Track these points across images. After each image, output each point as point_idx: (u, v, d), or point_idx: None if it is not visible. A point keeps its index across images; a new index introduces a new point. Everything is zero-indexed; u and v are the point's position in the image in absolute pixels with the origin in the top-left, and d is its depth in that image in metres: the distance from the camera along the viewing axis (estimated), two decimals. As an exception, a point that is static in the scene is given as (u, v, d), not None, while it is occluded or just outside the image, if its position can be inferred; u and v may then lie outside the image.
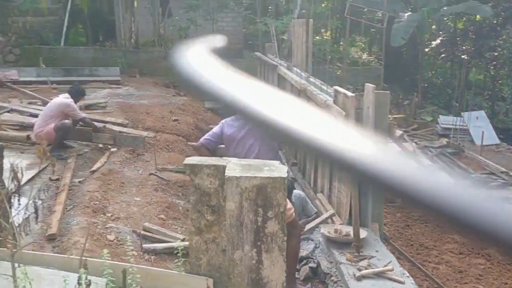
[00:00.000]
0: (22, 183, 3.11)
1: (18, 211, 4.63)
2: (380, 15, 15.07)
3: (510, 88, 12.77)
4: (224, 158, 3.03)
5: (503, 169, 8.59)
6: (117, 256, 4.49)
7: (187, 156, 7.87)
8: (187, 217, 6.03)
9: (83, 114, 7.23)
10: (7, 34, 13.36)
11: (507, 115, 13.82)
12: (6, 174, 3.37)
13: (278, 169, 2.71)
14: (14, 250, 2.58)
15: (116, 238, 4.97)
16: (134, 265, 2.96)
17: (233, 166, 2.72)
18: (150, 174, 6.76)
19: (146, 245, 4.76)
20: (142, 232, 5.00)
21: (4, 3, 13.18)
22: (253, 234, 2.61)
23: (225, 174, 2.62)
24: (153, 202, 5.90)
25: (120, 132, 7.68)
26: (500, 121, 13.35)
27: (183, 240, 4.85)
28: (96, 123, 7.38)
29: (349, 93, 5.29)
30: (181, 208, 6.09)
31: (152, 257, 4.72)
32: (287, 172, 2.75)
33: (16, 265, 2.63)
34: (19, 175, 2.74)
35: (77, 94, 6.98)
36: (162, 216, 5.65)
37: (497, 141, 10.79)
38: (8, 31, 13.42)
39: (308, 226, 5.55)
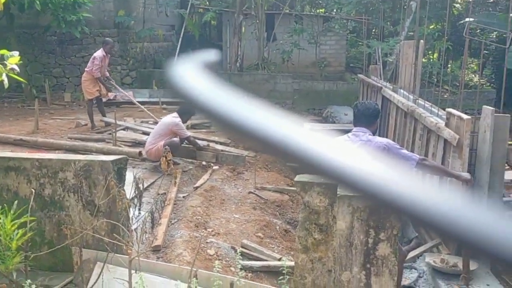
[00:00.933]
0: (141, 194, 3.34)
1: (138, 219, 4.97)
2: (495, 36, 14.18)
3: None
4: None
5: None
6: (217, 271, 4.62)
7: (286, 176, 7.98)
8: (284, 237, 6.05)
9: (188, 133, 7.61)
10: (126, 59, 14.60)
11: None
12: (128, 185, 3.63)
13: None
14: (133, 257, 2.75)
15: (216, 253, 5.12)
16: (242, 279, 3.02)
17: (344, 185, 2.69)
18: (249, 192, 6.91)
19: (244, 262, 4.84)
20: (241, 248, 5.10)
21: (126, 31, 14.45)
22: (363, 256, 2.54)
23: (337, 193, 2.59)
24: (251, 220, 6.00)
25: (222, 150, 7.97)
26: None
27: (279, 259, 4.87)
28: (200, 142, 7.72)
29: (465, 116, 5.02)
30: (278, 228, 6.12)
31: (249, 274, 4.78)
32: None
33: (133, 271, 2.80)
34: (140, 185, 2.95)
35: (185, 113, 7.38)
36: (259, 234, 5.73)
37: None
38: (127, 56, 14.66)
39: (411, 254, 5.30)
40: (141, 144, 8.02)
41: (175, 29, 16.62)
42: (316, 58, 15.27)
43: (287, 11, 15.46)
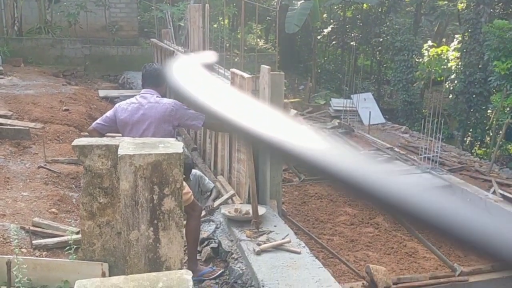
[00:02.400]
0: None
1: None
2: (275, 3, 15.45)
3: (393, 71, 13.82)
4: (117, 137, 2.93)
5: (388, 145, 9.31)
6: (4, 255, 4.19)
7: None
8: (82, 209, 5.78)
9: None
10: None
11: (391, 97, 14.97)
12: None
13: (174, 146, 2.68)
14: None
15: (1, 236, 4.63)
16: (19, 257, 2.77)
17: (127, 145, 2.65)
18: (39, 167, 6.35)
19: (37, 241, 4.49)
20: (32, 228, 4.70)
21: None
22: (149, 212, 2.56)
23: (118, 153, 2.53)
24: (42, 196, 5.56)
25: (2, 124, 7.10)
26: (385, 102, 14.44)
27: (77, 232, 4.64)
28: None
29: (246, 75, 5.38)
30: (74, 201, 5.81)
31: (44, 253, 4.46)
32: (183, 149, 2.74)
33: None
34: None
35: None
36: (53, 210, 5.35)
37: (383, 120, 11.66)
38: None
39: (217, 203, 5.60)
40: None
41: None
42: (106, 22, 14.51)
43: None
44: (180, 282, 1.62)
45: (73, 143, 2.75)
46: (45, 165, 6.42)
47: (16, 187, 5.76)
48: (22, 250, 4.48)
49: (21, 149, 6.91)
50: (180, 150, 2.61)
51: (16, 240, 3.15)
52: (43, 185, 5.90)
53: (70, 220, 5.35)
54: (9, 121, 7.41)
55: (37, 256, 4.40)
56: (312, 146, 0.49)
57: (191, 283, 1.62)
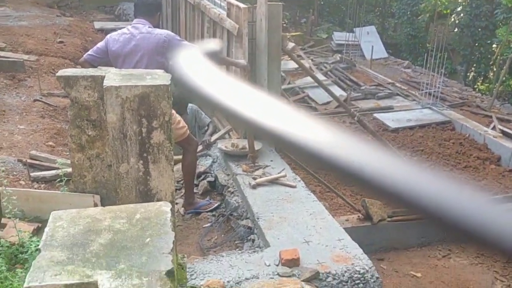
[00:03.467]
0: None
1: None
2: None
3: (398, 3, 13.33)
4: (103, 68, 2.83)
5: (390, 80, 9.14)
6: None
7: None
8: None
9: None
10: None
11: (395, 31, 14.55)
12: None
13: (161, 77, 2.58)
14: None
15: (-1, 169, 4.64)
16: (9, 188, 2.76)
17: (113, 76, 2.55)
18: (35, 100, 6.28)
19: (35, 173, 4.50)
20: (29, 160, 4.70)
21: None
22: (138, 145, 2.51)
23: (104, 84, 2.44)
24: (39, 129, 5.53)
25: (-5, 56, 6.94)
26: (389, 36, 14.03)
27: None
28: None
29: (242, 5, 5.16)
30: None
31: (42, 185, 4.49)
32: (170, 80, 2.63)
33: None
34: None
35: None
36: (50, 143, 5.34)
37: (386, 55, 11.39)
38: None
39: (214, 137, 5.57)
40: None
41: None
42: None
43: None
44: (158, 213, 1.59)
45: (57, 74, 2.65)
46: (41, 98, 6.34)
47: (13, 120, 5.72)
48: (21, 182, 4.51)
49: (16, 81, 6.80)
50: (168, 82, 2.51)
51: (3, 172, 3.13)
52: (39, 118, 5.86)
53: (67, 153, 5.35)
54: (2, 53, 7.24)
55: (35, 188, 4.43)
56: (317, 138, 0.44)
57: (169, 214, 1.59)
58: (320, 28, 13.56)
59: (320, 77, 8.42)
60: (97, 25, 10.75)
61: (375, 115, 7.64)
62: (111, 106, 2.41)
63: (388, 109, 7.91)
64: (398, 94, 8.53)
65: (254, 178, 4.46)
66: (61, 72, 2.68)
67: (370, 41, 11.21)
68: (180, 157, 4.45)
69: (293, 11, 14.39)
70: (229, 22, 5.31)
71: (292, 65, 8.87)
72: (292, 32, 12.53)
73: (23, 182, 4.47)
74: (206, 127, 5.86)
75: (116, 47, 4.15)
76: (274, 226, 3.72)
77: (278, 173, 4.56)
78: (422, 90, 8.28)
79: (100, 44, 4.32)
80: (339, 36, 11.80)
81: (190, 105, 5.69)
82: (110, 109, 2.41)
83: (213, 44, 0.84)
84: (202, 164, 5.29)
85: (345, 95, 8.13)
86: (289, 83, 8.84)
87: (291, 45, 5.41)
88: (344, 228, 3.83)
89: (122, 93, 2.41)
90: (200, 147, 5.22)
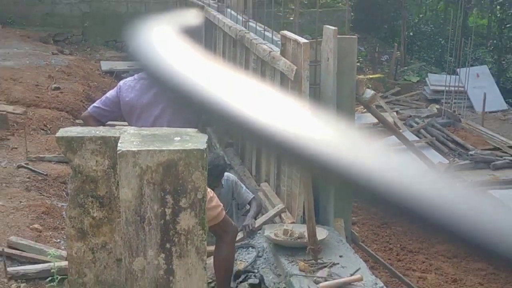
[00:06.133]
0: None
1: None
2: None
3: (522, 35, 13.38)
4: (118, 126, 2.98)
5: (512, 143, 9.03)
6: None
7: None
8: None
9: None
10: None
11: (517, 72, 14.48)
12: None
13: (195, 139, 2.70)
14: None
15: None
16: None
17: (130, 138, 2.68)
18: (19, 166, 6.58)
19: (12, 268, 4.65)
20: (7, 250, 4.87)
21: None
22: (159, 233, 2.59)
23: (118, 148, 2.57)
24: (22, 206, 5.76)
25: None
26: (508, 79, 13.97)
27: (66, 258, 4.78)
28: None
29: (302, 39, 5.35)
30: (64, 213, 5.98)
31: (22, 284, 4.62)
32: (212, 145, 2.74)
33: None
34: None
35: None
36: (36, 225, 5.54)
37: (505, 106, 11.32)
38: None
39: (258, 222, 5.61)
40: None
41: None
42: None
43: None
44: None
45: (57, 134, 2.81)
46: (27, 164, 6.64)
47: (-13, 194, 5.99)
48: (-3, 279, 4.66)
49: (-5, 141, 7.19)
50: (204, 146, 2.62)
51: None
52: (23, 192, 6.11)
53: (58, 240, 5.51)
54: (-21, 104, 7.72)
55: (12, 289, 4.56)
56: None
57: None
58: (409, 68, 13.72)
59: (410, 136, 8.44)
60: (105, 65, 11.31)
61: (491, 192, 7.51)
62: (126, 178, 2.52)
63: (509, 184, 7.76)
64: (526, 163, 8.38)
65: (316, 282, 4.43)
66: (63, 132, 2.85)
67: (481, 86, 11.21)
68: (212, 248, 4.49)
69: (371, 46, 14.68)
70: (284, 61, 5.49)
71: (371, 119, 8.95)
72: (369, 75, 12.73)
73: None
74: (248, 206, 5.91)
75: (131, 97, 4.35)
76: None
77: (351, 274, 4.51)
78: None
79: (110, 94, 4.55)
80: (436, 80, 11.88)
81: (226, 175, 5.80)
82: (124, 182, 2.52)
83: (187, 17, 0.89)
84: (242, 259, 5.31)
85: (446, 163, 8.07)
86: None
87: (369, 92, 5.50)
88: None
89: (142, 160, 2.52)
90: (239, 235, 5.26)
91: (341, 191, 5.22)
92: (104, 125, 4.40)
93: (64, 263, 3.30)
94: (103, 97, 4.56)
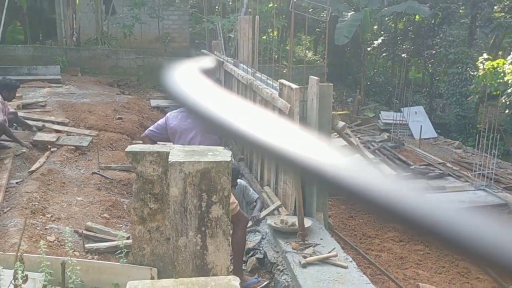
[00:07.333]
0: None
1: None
2: (324, 15, 15.42)
3: (446, 84, 13.41)
4: (168, 145, 3.00)
5: (440, 160, 9.01)
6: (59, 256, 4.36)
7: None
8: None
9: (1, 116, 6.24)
10: None
11: (443, 111, 14.51)
12: None
13: (222, 154, 2.71)
14: None
15: (56, 239, 4.81)
16: (73, 259, 2.87)
17: (177, 152, 2.70)
18: (93, 173, 6.58)
19: (89, 245, 4.64)
20: (85, 231, 4.85)
21: None
22: (197, 219, 2.59)
23: (169, 160, 2.59)
24: (95, 201, 5.75)
25: (60, 131, 7.43)
26: (437, 116, 13.99)
27: (128, 238, 4.76)
28: (33, 122, 7.05)
29: (294, 86, 5.38)
30: (125, 207, 5.96)
31: (95, 256, 4.60)
32: (231, 158, 2.76)
33: None
34: None
35: (5, 88, 6.53)
36: (105, 215, 5.52)
37: (435, 134, 11.32)
38: None
39: (263, 213, 5.60)
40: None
41: (-2, -1, 14.76)
42: (159, 33, 14.95)
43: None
44: (228, 287, 1.63)
45: (126, 149, 2.84)
46: (99, 171, 6.64)
47: (71, 192, 5.98)
48: (75, 253, 4.64)
49: (77, 155, 7.19)
50: (229, 159, 2.64)
51: (70, 243, 3.26)
52: (96, 191, 6.10)
53: (121, 225, 5.49)
54: (66, 128, 7.74)
55: (89, 259, 4.54)
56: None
57: (238, 289, 1.62)
58: (367, 107, 13.74)
59: (369, 155, 8.43)
60: (153, 102, 11.36)
61: (427, 195, 7.48)
62: (174, 180, 2.53)
63: (440, 190, 7.73)
64: (449, 175, 8.36)
65: (304, 257, 4.40)
66: (130, 148, 2.87)
67: (418, 120, 11.23)
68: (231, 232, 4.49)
69: (340, 90, 14.73)
70: (281, 101, 5.52)
71: (340, 142, 8.95)
72: (339, 111, 12.75)
73: (77, 253, 4.60)
74: (254, 203, 5.90)
75: (174, 124, 4.39)
76: (326, 308, 3.61)
77: (329, 252, 4.49)
78: (474, 171, 8.10)
79: (161, 121, 4.58)
80: (387, 116, 11.89)
81: (238, 180, 5.80)
82: (173, 183, 2.53)
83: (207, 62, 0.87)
84: (251, 240, 5.29)
85: (394, 174, 8.05)
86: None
87: (341, 123, 5.52)
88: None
89: (186, 168, 2.54)
90: (249, 223, 5.24)
91: (322, 190, 5.23)
92: (155, 143, 4.44)
93: (128, 241, 3.30)
94: (156, 124, 4.59)
